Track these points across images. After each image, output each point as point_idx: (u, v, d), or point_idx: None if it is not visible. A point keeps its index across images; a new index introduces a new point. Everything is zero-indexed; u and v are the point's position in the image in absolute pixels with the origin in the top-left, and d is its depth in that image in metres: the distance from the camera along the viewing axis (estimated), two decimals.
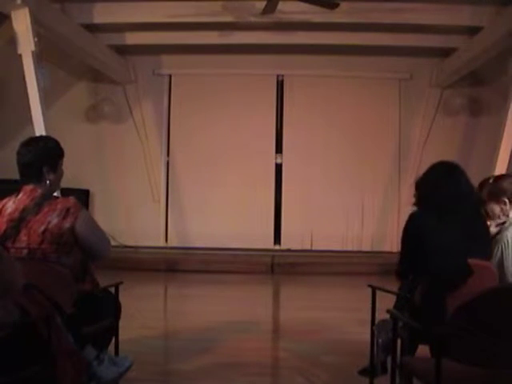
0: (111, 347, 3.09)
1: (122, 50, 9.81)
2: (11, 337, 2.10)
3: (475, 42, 8.30)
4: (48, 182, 2.80)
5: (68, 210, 2.72)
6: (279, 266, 8.77)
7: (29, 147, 2.80)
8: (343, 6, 7.43)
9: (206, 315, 5.70)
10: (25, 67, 6.76)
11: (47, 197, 2.77)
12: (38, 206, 2.71)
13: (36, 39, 6.69)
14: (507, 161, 7.32)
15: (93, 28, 8.63)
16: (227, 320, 5.36)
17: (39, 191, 2.76)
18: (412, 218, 2.89)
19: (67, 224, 2.70)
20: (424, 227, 2.81)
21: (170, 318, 6.01)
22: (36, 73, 6.76)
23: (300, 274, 8.47)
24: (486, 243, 2.82)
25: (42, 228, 2.67)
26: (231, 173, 10.04)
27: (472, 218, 2.80)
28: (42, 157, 2.79)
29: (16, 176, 2.86)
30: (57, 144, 2.90)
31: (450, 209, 2.78)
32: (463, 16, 8.14)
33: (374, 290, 3.22)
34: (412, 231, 2.87)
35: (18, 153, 2.80)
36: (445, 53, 9.43)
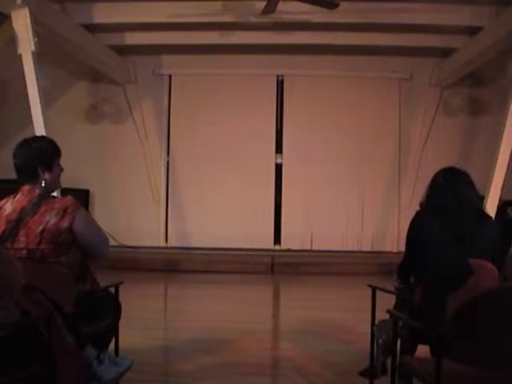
0: (111, 347, 3.09)
1: (122, 50, 9.81)
2: (12, 337, 2.10)
3: (475, 42, 8.30)
4: (44, 182, 2.79)
5: (66, 209, 2.72)
6: (279, 266, 8.77)
7: (22, 149, 2.81)
8: (343, 5, 7.43)
9: (206, 315, 5.71)
10: (25, 67, 6.75)
11: (45, 197, 2.77)
12: (35, 206, 2.71)
13: (36, 39, 6.69)
14: (507, 161, 7.32)
15: (93, 28, 8.63)
16: (227, 320, 5.37)
17: (37, 192, 2.76)
18: (416, 216, 2.94)
19: (65, 224, 2.69)
20: (426, 226, 2.87)
21: (170, 318, 6.00)
22: (36, 73, 6.76)
23: (300, 274, 8.47)
24: (488, 245, 2.82)
25: (40, 228, 2.67)
26: (231, 173, 10.04)
27: (474, 221, 2.83)
28: (36, 158, 2.79)
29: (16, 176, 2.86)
30: (50, 143, 2.90)
31: (453, 211, 2.82)
32: (463, 16, 8.14)
33: (374, 289, 3.23)
34: (415, 229, 2.92)
35: (14, 155, 2.81)
36: (445, 53, 9.43)
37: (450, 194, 2.86)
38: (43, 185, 2.79)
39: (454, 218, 2.81)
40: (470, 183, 2.93)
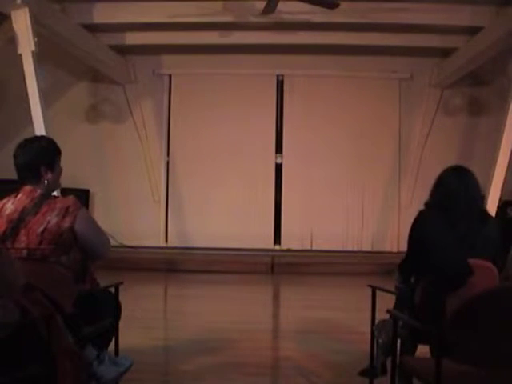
0: (111, 347, 3.09)
1: (122, 50, 9.81)
2: (11, 337, 2.10)
3: (475, 42, 8.30)
4: (46, 181, 2.79)
5: (67, 209, 2.72)
6: (279, 266, 8.77)
7: (24, 149, 2.80)
8: (343, 5, 7.43)
9: (206, 315, 5.71)
10: (25, 67, 6.76)
11: (46, 197, 2.76)
12: (37, 206, 2.70)
13: (36, 39, 6.70)
14: (507, 161, 7.33)
15: (93, 28, 8.63)
16: (227, 320, 5.37)
17: (38, 191, 2.76)
18: (419, 216, 2.93)
19: (66, 223, 2.69)
20: (429, 226, 2.86)
21: (170, 318, 6.00)
22: (36, 73, 6.76)
23: (300, 274, 8.47)
24: (489, 245, 2.82)
25: (41, 228, 2.66)
26: (231, 173, 10.04)
27: (478, 221, 2.83)
28: (39, 157, 2.79)
29: (16, 176, 2.86)
30: (51, 142, 2.90)
31: (456, 210, 2.82)
32: (463, 16, 8.14)
33: (374, 290, 3.22)
34: (417, 229, 2.92)
35: (14, 155, 2.80)
36: (445, 53, 9.43)
37: (462, 194, 2.84)
38: (46, 183, 2.79)
39: (460, 218, 2.79)
40: (477, 183, 2.93)
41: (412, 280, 3.02)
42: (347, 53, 9.71)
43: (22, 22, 6.66)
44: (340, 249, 9.85)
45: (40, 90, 6.79)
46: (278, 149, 10.32)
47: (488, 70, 9.06)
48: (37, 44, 6.71)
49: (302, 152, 10.09)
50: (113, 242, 3.55)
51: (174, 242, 10.22)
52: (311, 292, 7.38)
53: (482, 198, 2.94)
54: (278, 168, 10.31)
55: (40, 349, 2.18)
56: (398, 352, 2.79)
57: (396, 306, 3.03)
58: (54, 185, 2.89)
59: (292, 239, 10.06)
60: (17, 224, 2.67)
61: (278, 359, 4.27)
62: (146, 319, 5.29)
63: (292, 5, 7.62)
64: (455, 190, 2.86)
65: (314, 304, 6.40)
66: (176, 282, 8.31)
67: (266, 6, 7.34)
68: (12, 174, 2.88)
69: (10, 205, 2.75)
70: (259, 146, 10.11)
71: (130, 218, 9.89)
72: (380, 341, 3.08)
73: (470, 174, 2.94)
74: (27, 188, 2.78)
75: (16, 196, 2.79)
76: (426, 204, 2.97)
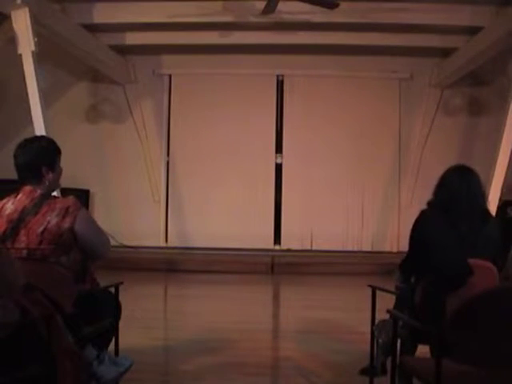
0: (111, 347, 3.09)
1: (122, 50, 9.81)
2: (11, 337, 2.10)
3: (475, 42, 8.30)
4: (47, 181, 2.79)
5: (67, 209, 2.72)
6: (279, 266, 8.77)
7: (24, 149, 2.79)
8: (343, 5, 7.43)
9: (206, 315, 5.71)
10: (25, 67, 6.76)
11: (46, 197, 2.76)
12: (37, 206, 2.70)
13: (36, 39, 6.70)
14: (507, 161, 7.33)
15: (93, 28, 8.63)
16: (227, 320, 5.37)
17: (38, 192, 2.76)
18: (420, 216, 2.93)
19: (66, 224, 2.69)
20: (430, 227, 2.86)
21: (170, 318, 6.00)
22: (36, 73, 6.76)
23: (300, 274, 8.47)
24: (490, 245, 2.82)
25: (41, 228, 2.66)
26: (231, 173, 10.04)
27: (479, 220, 2.83)
28: (39, 157, 2.78)
29: (16, 176, 2.86)
30: (51, 142, 2.89)
31: (458, 210, 2.81)
32: (463, 16, 8.14)
33: (374, 290, 3.22)
34: (418, 230, 2.92)
35: (15, 156, 2.79)
36: (445, 53, 9.43)
37: (464, 193, 2.84)
38: (47, 183, 2.79)
39: (461, 218, 2.79)
40: (480, 181, 2.93)
41: (412, 280, 3.02)
42: (347, 53, 9.71)
43: (22, 22, 6.66)
44: (340, 249, 9.85)
45: (40, 90, 6.79)
46: (278, 149, 10.32)
47: (488, 69, 9.06)
48: (37, 44, 6.72)
49: (302, 152, 10.09)
50: (113, 242, 3.56)
51: (174, 242, 10.22)
52: (311, 292, 7.38)
53: (483, 196, 2.94)
54: (278, 168, 10.31)
55: (40, 349, 2.18)
56: (398, 352, 2.79)
57: (396, 306, 3.04)
58: (54, 185, 2.89)
59: (292, 239, 10.07)
60: (17, 224, 2.67)
61: (278, 359, 4.26)
62: (146, 319, 5.29)
63: (292, 5, 7.62)
64: (457, 190, 2.86)
65: (314, 304, 6.40)
66: (176, 281, 8.31)
67: (265, 6, 7.35)
68: (12, 174, 2.87)
69: (10, 205, 2.75)
70: (259, 146, 10.11)
71: (130, 218, 9.89)
72: (380, 341, 3.08)
73: (472, 173, 2.95)
74: (27, 188, 2.78)
75: (16, 196, 2.78)
76: (429, 203, 2.97)
